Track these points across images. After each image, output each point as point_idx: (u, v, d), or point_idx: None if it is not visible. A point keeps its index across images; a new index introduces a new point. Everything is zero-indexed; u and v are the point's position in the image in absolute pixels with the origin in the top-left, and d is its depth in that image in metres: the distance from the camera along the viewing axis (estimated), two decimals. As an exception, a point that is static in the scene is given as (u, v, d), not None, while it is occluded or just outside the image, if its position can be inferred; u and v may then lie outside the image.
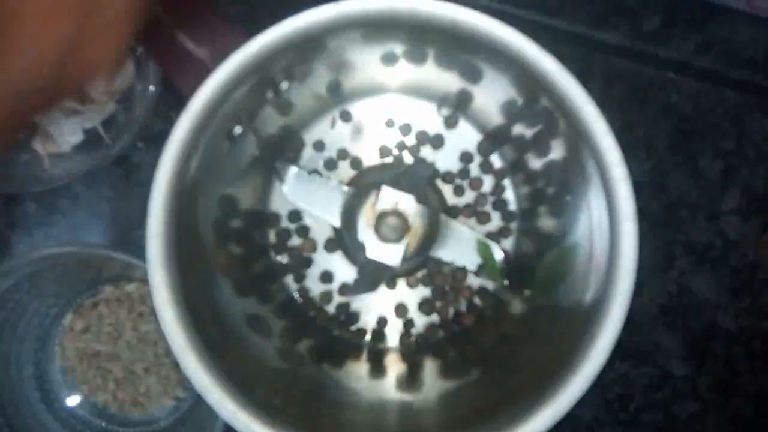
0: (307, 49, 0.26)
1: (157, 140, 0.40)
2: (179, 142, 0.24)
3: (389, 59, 0.32)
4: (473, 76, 0.32)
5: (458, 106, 0.35)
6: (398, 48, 0.31)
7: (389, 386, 0.34)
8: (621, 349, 0.26)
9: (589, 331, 0.26)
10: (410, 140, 0.36)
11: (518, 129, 0.33)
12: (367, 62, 0.32)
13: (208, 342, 0.25)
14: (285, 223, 0.36)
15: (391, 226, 0.32)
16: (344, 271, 0.36)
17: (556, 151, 0.31)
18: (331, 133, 0.36)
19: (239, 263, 0.33)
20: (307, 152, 0.36)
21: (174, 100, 0.39)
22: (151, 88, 0.37)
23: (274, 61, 0.25)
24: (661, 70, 0.39)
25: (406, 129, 0.36)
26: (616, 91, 0.40)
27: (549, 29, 0.39)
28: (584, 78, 0.26)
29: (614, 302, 0.25)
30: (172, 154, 0.24)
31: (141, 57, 0.38)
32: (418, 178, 0.32)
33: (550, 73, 0.25)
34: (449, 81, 0.33)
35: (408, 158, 0.36)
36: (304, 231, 0.36)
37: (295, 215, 0.36)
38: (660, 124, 0.40)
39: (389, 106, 0.36)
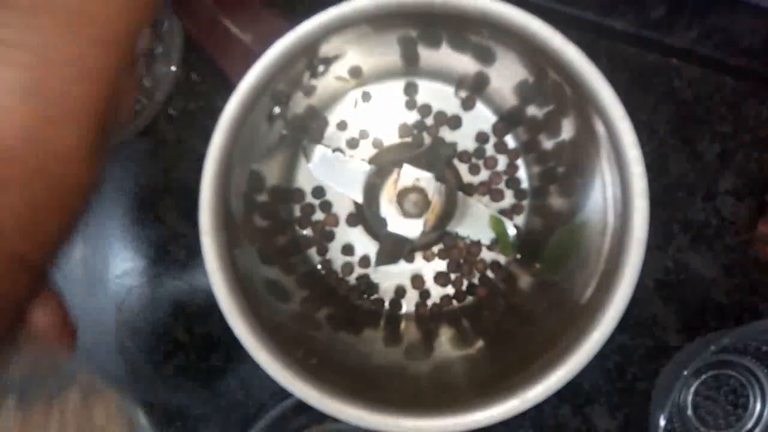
0: (343, 34, 0.28)
1: (181, 117, 0.42)
2: (230, 120, 0.26)
3: (406, 43, 0.34)
4: (486, 58, 0.33)
5: (475, 89, 0.37)
6: (413, 32, 0.32)
7: (403, 352, 0.36)
8: (620, 321, 0.28)
9: (601, 298, 0.28)
10: (429, 121, 0.38)
11: (531, 111, 0.35)
12: (385, 46, 0.34)
13: (250, 305, 0.27)
14: (309, 199, 0.38)
15: (412, 201, 0.34)
16: (364, 245, 0.38)
17: (567, 132, 0.33)
18: (353, 113, 0.38)
19: (265, 235, 0.35)
20: (331, 131, 0.38)
21: (197, 81, 0.41)
22: (172, 68, 0.39)
23: (315, 46, 0.27)
24: (664, 56, 0.41)
25: (425, 110, 0.38)
26: (621, 76, 0.42)
27: (558, 15, 0.40)
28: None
29: (627, 269, 0.27)
30: (223, 130, 0.26)
31: (163, 36, 0.39)
32: (438, 157, 0.34)
33: (570, 59, 0.27)
34: (466, 64, 0.35)
35: (427, 138, 0.38)
36: (327, 206, 0.38)
37: (319, 191, 0.38)
38: (661, 108, 0.42)
39: (409, 87, 0.37)
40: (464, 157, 0.38)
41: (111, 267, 0.43)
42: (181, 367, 0.42)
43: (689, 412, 0.42)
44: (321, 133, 0.37)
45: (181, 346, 0.42)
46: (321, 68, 0.31)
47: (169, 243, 0.42)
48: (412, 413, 0.28)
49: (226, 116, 0.26)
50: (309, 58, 0.29)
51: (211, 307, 0.44)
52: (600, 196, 0.29)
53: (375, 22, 0.28)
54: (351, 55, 0.33)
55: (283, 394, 0.43)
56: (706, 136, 0.42)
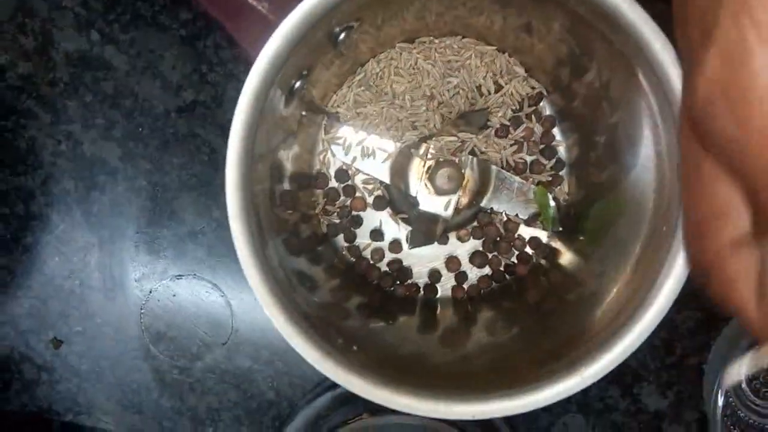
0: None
1: (190, 110, 0.40)
2: (252, 94, 0.24)
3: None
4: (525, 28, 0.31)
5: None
6: None
7: (439, 338, 0.34)
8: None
9: (656, 270, 0.26)
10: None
11: (567, 78, 0.33)
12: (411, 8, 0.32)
13: (286, 296, 0.25)
14: (332, 183, 0.36)
15: (444, 177, 0.32)
16: (394, 228, 0.36)
17: (606, 98, 0.31)
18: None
19: (289, 226, 0.33)
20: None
21: (206, 71, 0.39)
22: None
23: (336, 13, 0.25)
24: None
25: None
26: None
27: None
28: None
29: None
30: (246, 105, 0.24)
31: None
32: (470, 128, 0.32)
33: (620, 10, 0.24)
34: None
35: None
36: (351, 190, 0.36)
37: (342, 174, 0.36)
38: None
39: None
40: (499, 128, 0.35)
41: (129, 271, 0.41)
42: (209, 370, 0.41)
43: (744, 385, 0.40)
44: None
45: (207, 347, 0.41)
46: (342, 36, 0.29)
47: (187, 241, 0.40)
48: (460, 398, 0.26)
49: (247, 90, 0.24)
50: (329, 26, 0.27)
51: (234, 302, 0.42)
52: (650, 152, 0.27)
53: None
54: (371, 21, 0.31)
55: (316, 391, 0.41)
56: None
